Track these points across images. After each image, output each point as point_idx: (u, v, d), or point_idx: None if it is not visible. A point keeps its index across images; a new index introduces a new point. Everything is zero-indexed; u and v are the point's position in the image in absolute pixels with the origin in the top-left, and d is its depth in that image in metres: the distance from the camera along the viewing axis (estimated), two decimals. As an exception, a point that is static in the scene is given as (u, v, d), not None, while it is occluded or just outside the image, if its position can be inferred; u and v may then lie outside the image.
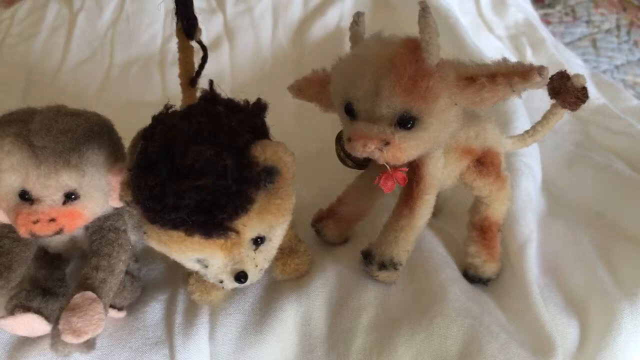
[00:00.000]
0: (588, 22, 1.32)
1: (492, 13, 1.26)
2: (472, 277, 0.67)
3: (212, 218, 0.47)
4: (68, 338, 0.50)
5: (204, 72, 1.17)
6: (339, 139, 0.66)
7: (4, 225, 0.58)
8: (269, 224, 0.50)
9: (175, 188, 0.46)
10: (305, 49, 1.18)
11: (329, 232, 0.67)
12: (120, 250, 0.58)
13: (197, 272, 0.60)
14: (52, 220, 0.53)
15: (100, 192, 0.55)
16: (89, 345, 0.52)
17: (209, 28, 1.24)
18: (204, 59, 0.70)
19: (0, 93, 1.09)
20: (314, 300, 0.61)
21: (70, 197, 0.53)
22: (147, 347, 0.60)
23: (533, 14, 1.29)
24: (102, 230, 0.58)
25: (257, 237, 0.51)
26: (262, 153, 0.48)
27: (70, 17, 1.25)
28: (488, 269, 0.66)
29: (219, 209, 0.46)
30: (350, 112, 0.56)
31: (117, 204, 0.57)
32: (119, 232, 0.59)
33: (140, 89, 1.15)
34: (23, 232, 0.53)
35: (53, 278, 0.63)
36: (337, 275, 0.63)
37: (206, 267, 0.53)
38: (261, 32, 1.23)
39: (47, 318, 0.60)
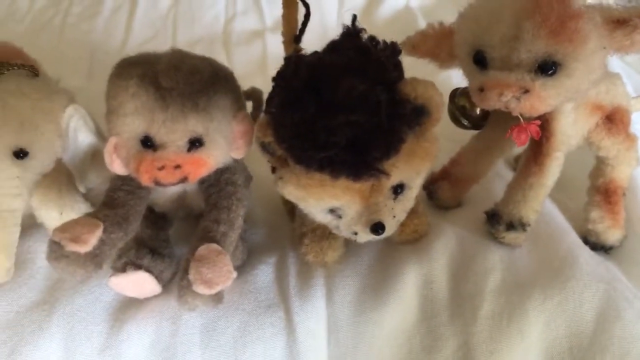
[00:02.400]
0: None
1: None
2: (594, 245, 0.63)
3: (363, 157, 0.44)
4: (200, 288, 0.47)
5: (271, 51, 1.14)
6: (453, 96, 0.63)
7: (118, 177, 0.56)
8: (416, 169, 0.47)
9: (327, 123, 0.43)
10: (373, 29, 1.15)
11: (444, 194, 0.64)
12: (239, 205, 0.55)
13: (313, 232, 0.57)
14: (178, 167, 0.50)
15: (224, 140, 0.52)
16: (218, 298, 0.49)
17: (272, 9, 1.22)
18: (307, 16, 0.67)
19: (67, 70, 1.07)
20: (435, 263, 0.58)
21: (194, 143, 0.51)
22: (261, 310, 0.57)
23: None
24: (219, 183, 0.55)
25: (398, 185, 0.48)
26: (412, 90, 0.45)
27: (131, -3, 1.24)
28: (611, 235, 0.63)
29: (372, 147, 0.43)
30: (480, 61, 0.53)
31: (240, 154, 0.55)
32: (236, 186, 0.56)
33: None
34: (146, 179, 0.50)
35: (158, 238, 0.61)
36: (457, 237, 0.60)
37: (339, 217, 0.50)
38: (326, 13, 1.21)
39: (156, 278, 0.57)
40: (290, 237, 0.65)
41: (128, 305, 0.59)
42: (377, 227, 0.48)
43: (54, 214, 0.59)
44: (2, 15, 1.27)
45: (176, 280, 0.60)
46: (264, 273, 0.60)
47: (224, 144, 0.52)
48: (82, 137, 0.57)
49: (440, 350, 0.55)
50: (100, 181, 0.66)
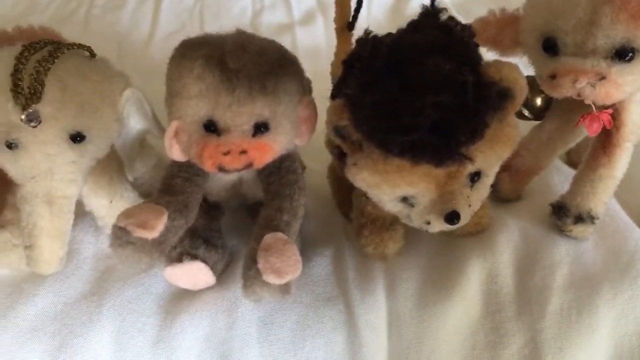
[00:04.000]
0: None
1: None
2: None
3: (448, 141, 0.42)
4: (270, 278, 0.45)
5: (300, 45, 1.13)
6: None
7: (175, 164, 0.54)
8: (498, 155, 0.45)
9: (411, 104, 0.41)
10: (405, 21, 1.14)
11: (504, 186, 0.62)
12: (301, 193, 0.53)
13: (372, 223, 0.56)
14: (243, 152, 0.48)
15: (290, 126, 0.50)
16: (286, 289, 0.47)
17: (300, 3, 1.20)
18: (360, 3, 0.66)
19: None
20: (499, 256, 0.56)
21: (260, 128, 0.48)
22: (320, 303, 0.55)
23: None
24: (280, 171, 0.53)
25: (475, 172, 0.46)
26: (497, 73, 0.43)
27: (156, -11, 1.22)
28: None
29: (457, 130, 0.41)
30: (551, 47, 0.51)
31: (303, 141, 0.53)
32: (297, 174, 0.54)
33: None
34: (210, 165, 0.48)
35: (211, 228, 0.59)
36: (520, 230, 0.58)
37: (412, 206, 0.48)
38: (355, 7, 1.19)
39: (211, 269, 0.55)
40: (344, 228, 0.63)
41: (179, 297, 0.57)
42: (452, 217, 0.46)
43: (104, 202, 0.57)
44: (24, 6, 1.25)
45: (228, 272, 0.58)
46: (320, 265, 0.58)
47: (289, 130, 0.50)
48: (134, 122, 0.55)
49: (505, 346, 0.53)
50: (145, 169, 0.64)
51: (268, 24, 1.18)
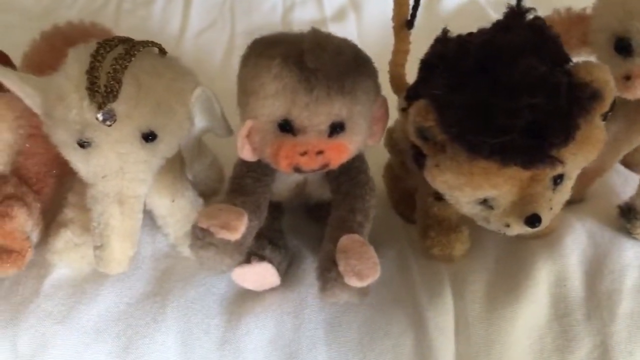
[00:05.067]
0: None
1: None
2: None
3: (540, 143, 0.41)
4: (352, 281, 0.44)
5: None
6: None
7: (243, 164, 0.53)
8: (586, 157, 0.45)
9: (506, 106, 0.40)
10: (438, 20, 1.13)
11: (569, 188, 0.61)
12: (372, 195, 0.52)
13: (439, 224, 0.55)
14: (320, 153, 0.47)
15: (366, 126, 0.49)
16: (366, 291, 0.47)
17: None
18: (417, 0, 0.65)
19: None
20: (567, 259, 0.56)
21: (336, 128, 0.48)
22: (387, 305, 0.55)
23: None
24: (351, 171, 0.52)
25: (558, 175, 0.46)
26: (588, 74, 0.43)
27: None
28: None
29: (550, 133, 0.41)
30: (624, 48, 0.50)
31: (375, 141, 0.52)
32: (367, 175, 0.53)
33: (268, 57, 1.10)
34: (285, 165, 0.47)
35: (274, 229, 0.58)
36: (587, 233, 0.58)
37: (491, 208, 0.47)
38: (389, 3, 1.17)
39: (277, 269, 0.54)
40: (404, 229, 0.62)
41: (242, 298, 0.57)
42: (534, 220, 0.46)
43: (166, 201, 0.57)
44: (49, 0, 1.24)
45: (291, 273, 0.58)
46: (384, 267, 0.56)
47: (365, 129, 0.49)
48: (197, 120, 0.55)
49: (574, 350, 0.53)
50: (200, 168, 0.64)
51: (299, 20, 1.16)
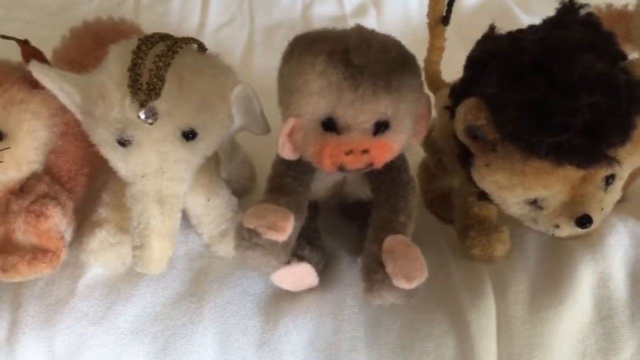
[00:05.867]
0: None
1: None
2: None
3: (598, 143, 0.40)
4: (401, 282, 0.44)
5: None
6: None
7: (282, 163, 0.52)
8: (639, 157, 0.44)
9: (564, 105, 0.39)
10: (460, 16, 1.12)
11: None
12: (414, 194, 0.51)
13: (479, 224, 0.54)
14: (365, 152, 0.46)
15: (411, 124, 0.48)
16: (413, 293, 0.46)
17: (353, -6, 1.18)
18: (453, -4, 0.64)
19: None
20: (610, 260, 0.54)
21: (380, 127, 0.47)
22: (427, 306, 0.54)
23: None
24: (392, 170, 0.51)
25: (610, 175, 0.45)
26: (643, 72, 0.42)
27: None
28: None
29: (608, 132, 0.40)
30: None
31: (418, 140, 0.51)
32: (409, 174, 0.52)
33: (289, 54, 1.09)
34: (329, 164, 0.46)
35: (310, 228, 0.57)
36: (629, 233, 0.56)
37: (540, 209, 0.46)
38: (409, 2, 1.17)
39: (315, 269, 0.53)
40: (441, 229, 0.61)
41: (279, 299, 0.56)
42: (585, 220, 0.45)
43: (201, 200, 0.56)
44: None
45: (328, 273, 0.57)
46: None
47: (409, 128, 0.48)
48: (236, 118, 0.54)
49: (618, 352, 0.52)
50: (233, 167, 0.63)
51: (319, 16, 1.16)
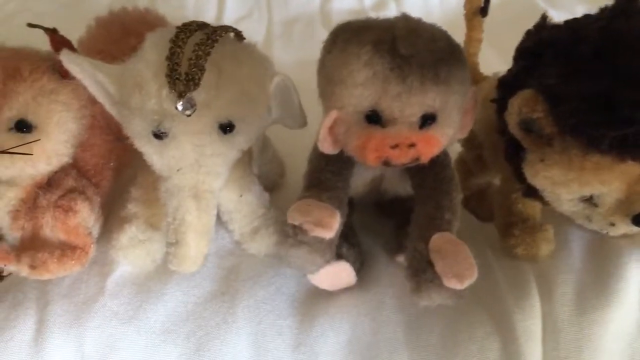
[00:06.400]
0: None
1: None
2: None
3: (664, 137, 0.38)
4: (451, 282, 0.42)
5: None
6: None
7: (321, 157, 0.50)
8: None
9: (630, 96, 0.37)
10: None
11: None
12: (459, 191, 0.49)
13: (523, 222, 0.52)
14: (411, 146, 0.44)
15: (458, 118, 0.46)
16: (463, 293, 0.44)
17: (373, -12, 1.16)
18: (491, -13, 0.62)
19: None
20: (659, 259, 0.52)
21: (427, 120, 0.45)
22: (469, 307, 0.52)
23: None
24: (435, 166, 0.49)
25: (670, 171, 0.43)
26: None
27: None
28: None
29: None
30: None
31: (464, 134, 0.49)
32: (453, 170, 0.50)
33: (307, 49, 1.06)
34: (373, 159, 0.44)
35: (346, 225, 0.55)
36: (679, 231, 0.54)
37: (595, 206, 0.44)
38: (429, -6, 1.15)
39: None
40: (479, 227, 0.59)
41: (314, 298, 0.54)
42: (642, 218, 0.43)
43: (234, 196, 0.54)
44: (83, -12, 1.21)
45: (364, 272, 0.55)
46: None
47: (456, 122, 0.46)
48: (273, 111, 0.52)
49: (668, 355, 0.50)
50: (263, 162, 0.61)
51: (338, 10, 1.14)
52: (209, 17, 1.12)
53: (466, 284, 0.42)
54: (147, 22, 0.63)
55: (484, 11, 0.61)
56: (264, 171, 0.61)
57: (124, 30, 0.60)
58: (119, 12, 0.63)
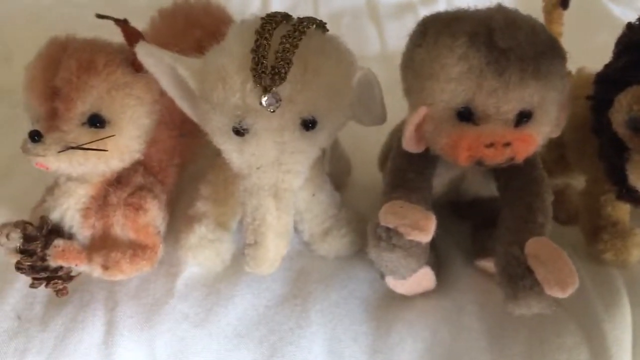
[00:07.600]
0: None
1: None
2: None
3: None
4: (554, 290, 0.39)
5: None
6: None
7: (403, 156, 0.48)
8: None
9: None
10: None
11: None
12: (550, 192, 0.47)
13: (612, 226, 0.49)
14: (507, 144, 0.41)
15: (555, 114, 0.44)
16: (560, 302, 0.41)
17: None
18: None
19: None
20: None
21: (522, 117, 0.42)
22: (556, 314, 0.48)
23: None
24: (525, 166, 0.46)
25: None
26: None
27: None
28: None
29: None
30: None
31: (558, 132, 0.46)
32: (543, 171, 0.48)
33: (355, 42, 1.03)
34: (465, 158, 0.42)
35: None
36: None
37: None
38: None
39: (430, 272, 0.49)
40: (561, 230, 0.56)
41: (389, 303, 0.52)
42: None
43: (306, 195, 0.52)
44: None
45: (442, 275, 0.52)
46: None
47: (553, 119, 0.44)
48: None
49: None
50: (333, 160, 0.58)
51: (385, 4, 1.11)
52: (254, 10, 1.10)
53: (569, 291, 0.40)
54: (211, 13, 0.61)
55: (564, 3, 0.57)
56: (333, 169, 0.59)
57: (188, 22, 0.59)
58: (182, 3, 0.61)
